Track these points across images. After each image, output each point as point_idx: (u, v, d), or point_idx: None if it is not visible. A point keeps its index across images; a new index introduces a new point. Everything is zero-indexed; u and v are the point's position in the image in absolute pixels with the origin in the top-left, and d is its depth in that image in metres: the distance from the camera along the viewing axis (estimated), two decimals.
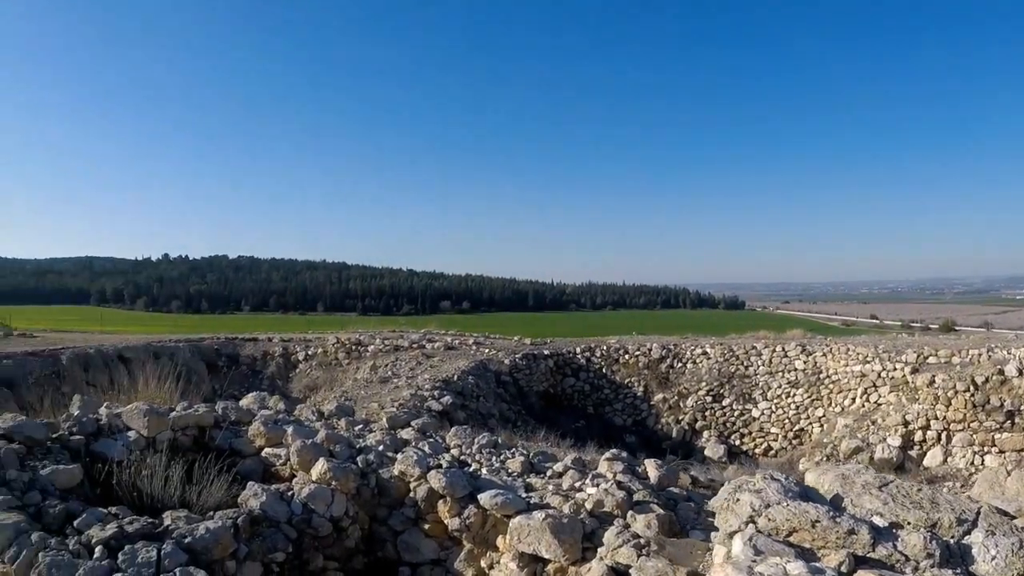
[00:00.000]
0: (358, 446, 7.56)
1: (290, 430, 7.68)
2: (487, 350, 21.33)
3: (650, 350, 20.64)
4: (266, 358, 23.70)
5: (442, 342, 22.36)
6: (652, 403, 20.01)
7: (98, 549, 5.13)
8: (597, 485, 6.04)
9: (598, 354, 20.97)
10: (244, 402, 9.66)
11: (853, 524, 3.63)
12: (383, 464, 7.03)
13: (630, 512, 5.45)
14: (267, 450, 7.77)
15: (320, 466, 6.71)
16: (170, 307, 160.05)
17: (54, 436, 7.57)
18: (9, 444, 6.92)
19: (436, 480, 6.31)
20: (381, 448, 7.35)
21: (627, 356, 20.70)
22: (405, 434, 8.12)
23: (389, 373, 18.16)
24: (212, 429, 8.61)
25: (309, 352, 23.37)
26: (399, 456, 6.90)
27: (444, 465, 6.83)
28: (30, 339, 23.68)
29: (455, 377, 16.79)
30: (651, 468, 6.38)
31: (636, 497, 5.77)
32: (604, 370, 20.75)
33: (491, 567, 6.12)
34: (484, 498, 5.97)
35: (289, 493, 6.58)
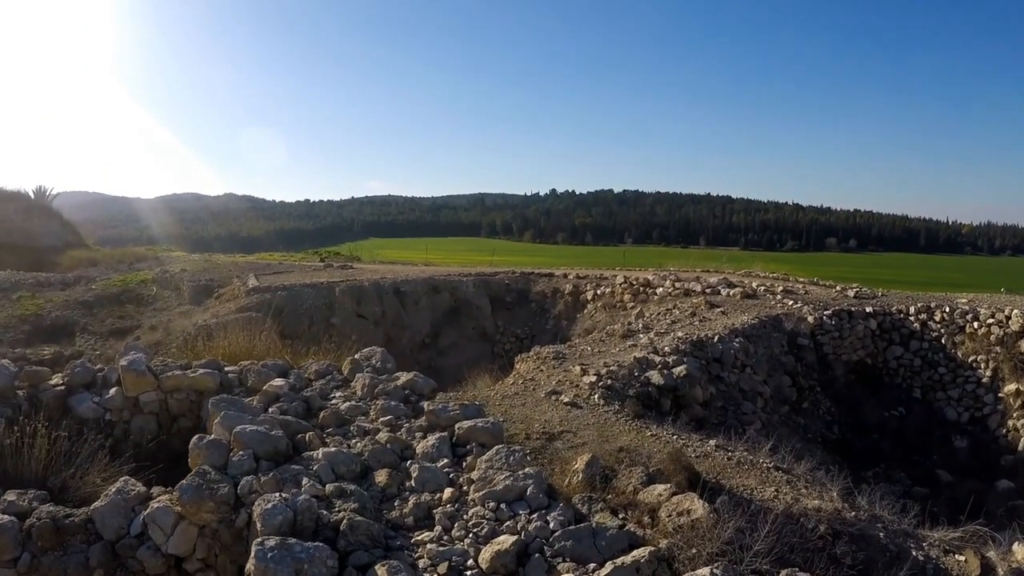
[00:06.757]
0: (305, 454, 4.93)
1: (219, 416, 5.67)
2: (792, 301, 16.84)
3: (1008, 318, 13.51)
4: (556, 296, 21.51)
5: (742, 289, 18.39)
6: (1000, 395, 13.15)
7: None
8: None
9: (938, 317, 14.52)
10: (315, 365, 7.48)
11: None
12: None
13: None
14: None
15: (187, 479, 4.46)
16: (555, 239, 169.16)
17: (26, 385, 7.12)
18: None
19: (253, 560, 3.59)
20: (324, 463, 4.65)
21: (976, 324, 13.89)
22: (427, 444, 5.02)
23: (640, 325, 14.70)
24: (211, 396, 7.04)
25: (598, 291, 20.67)
26: (264, 496, 4.18)
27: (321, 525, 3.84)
28: (344, 270, 24.24)
29: (715, 338, 12.72)
30: None
31: None
32: (944, 340, 14.29)
33: None
34: None
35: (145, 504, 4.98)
